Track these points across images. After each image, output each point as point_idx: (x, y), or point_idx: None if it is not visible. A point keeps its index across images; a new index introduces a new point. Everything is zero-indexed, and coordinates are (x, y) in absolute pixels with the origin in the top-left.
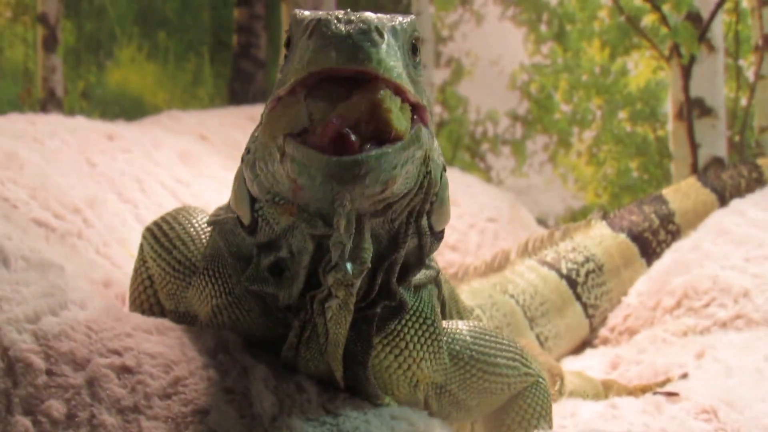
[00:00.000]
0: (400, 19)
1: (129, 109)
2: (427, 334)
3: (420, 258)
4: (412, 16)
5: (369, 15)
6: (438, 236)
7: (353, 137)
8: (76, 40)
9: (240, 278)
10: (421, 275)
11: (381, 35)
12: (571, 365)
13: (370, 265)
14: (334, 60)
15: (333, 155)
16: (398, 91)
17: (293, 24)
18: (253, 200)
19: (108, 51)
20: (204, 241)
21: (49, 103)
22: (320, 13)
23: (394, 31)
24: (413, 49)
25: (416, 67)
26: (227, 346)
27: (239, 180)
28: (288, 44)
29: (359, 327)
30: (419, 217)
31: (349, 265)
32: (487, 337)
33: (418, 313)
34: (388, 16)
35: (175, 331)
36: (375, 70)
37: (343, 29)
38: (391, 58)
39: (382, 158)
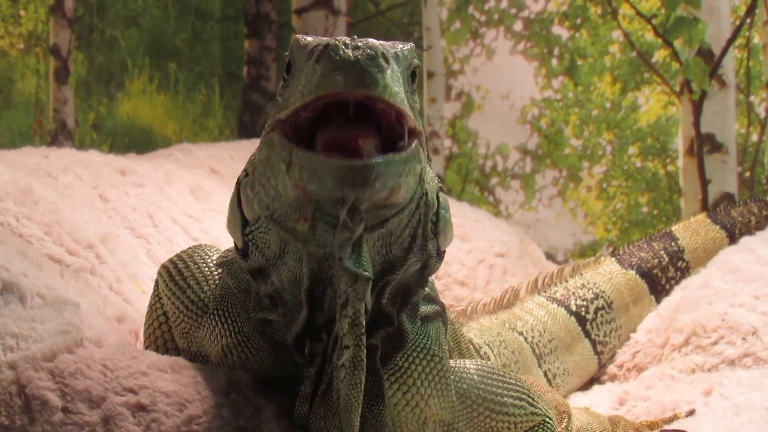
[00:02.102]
0: (401, 46)
1: (139, 140)
2: (434, 371)
3: (421, 279)
4: (411, 44)
5: (374, 41)
6: (442, 255)
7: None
8: (88, 71)
9: (249, 316)
10: (426, 308)
11: (387, 61)
12: (578, 401)
13: (372, 276)
14: (342, 84)
15: (344, 159)
16: (400, 115)
17: (296, 49)
18: (245, 224)
19: (119, 82)
20: (217, 281)
21: (60, 134)
22: (324, 38)
23: (396, 57)
24: (412, 76)
25: (413, 94)
26: (240, 385)
27: (233, 203)
28: (288, 69)
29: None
30: (426, 242)
31: (352, 265)
32: (494, 376)
33: (425, 350)
34: (389, 42)
35: (189, 369)
36: (381, 95)
37: (351, 54)
38: (395, 83)
39: (390, 164)
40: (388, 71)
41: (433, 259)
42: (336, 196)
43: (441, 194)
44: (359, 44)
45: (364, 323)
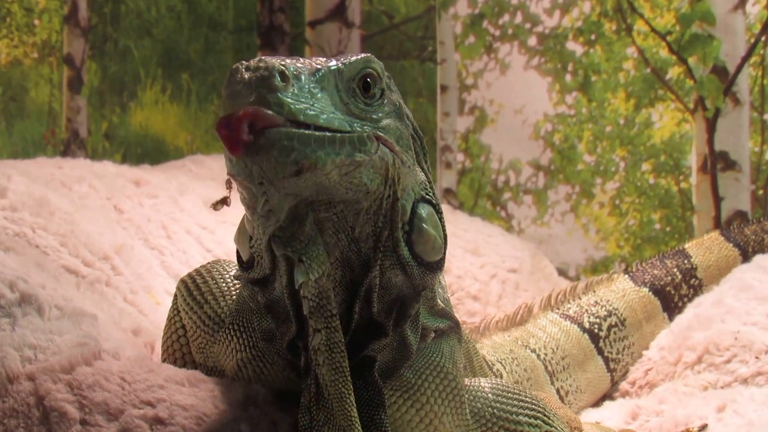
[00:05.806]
0: (335, 62)
1: (151, 150)
2: (448, 389)
3: (413, 289)
4: (358, 57)
5: (273, 61)
6: (431, 266)
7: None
8: (101, 81)
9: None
10: (440, 323)
11: (285, 79)
12: (589, 416)
13: (298, 257)
14: (237, 106)
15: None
16: (317, 129)
17: None
18: (250, 238)
19: (132, 92)
20: (234, 296)
21: (72, 143)
22: (247, 61)
23: (316, 74)
24: (365, 86)
25: (370, 104)
26: (257, 399)
27: (243, 219)
28: None
29: (363, 373)
30: (396, 246)
31: (281, 245)
32: (509, 395)
33: (438, 368)
34: (321, 59)
35: (206, 383)
36: (275, 114)
37: (246, 77)
38: (301, 100)
39: (287, 136)
40: (289, 90)
41: (412, 268)
42: (243, 171)
43: (424, 206)
44: (260, 65)
45: (330, 307)
